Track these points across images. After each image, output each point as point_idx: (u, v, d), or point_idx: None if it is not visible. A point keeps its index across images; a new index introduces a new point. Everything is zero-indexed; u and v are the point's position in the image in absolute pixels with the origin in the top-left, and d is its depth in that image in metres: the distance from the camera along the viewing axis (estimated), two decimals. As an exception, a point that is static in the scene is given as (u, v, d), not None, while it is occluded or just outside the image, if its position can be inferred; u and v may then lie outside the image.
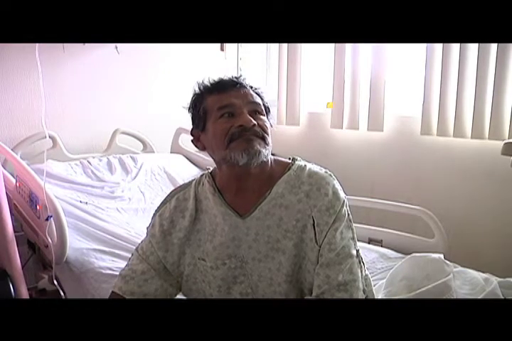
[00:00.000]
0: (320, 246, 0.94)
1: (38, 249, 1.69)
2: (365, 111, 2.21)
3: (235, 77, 1.00)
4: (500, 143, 1.42)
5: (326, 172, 1.00)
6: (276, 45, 2.57)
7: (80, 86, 2.19)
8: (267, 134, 0.96)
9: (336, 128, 2.34)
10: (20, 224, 1.74)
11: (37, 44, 1.48)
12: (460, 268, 1.40)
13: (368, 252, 1.63)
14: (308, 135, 2.54)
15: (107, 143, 2.25)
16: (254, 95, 0.99)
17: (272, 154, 0.99)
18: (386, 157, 2.24)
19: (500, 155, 1.40)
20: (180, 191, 1.06)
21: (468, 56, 1.85)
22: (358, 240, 1.01)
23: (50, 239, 1.47)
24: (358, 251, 0.97)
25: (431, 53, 1.97)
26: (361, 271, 0.96)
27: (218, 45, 2.64)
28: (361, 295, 0.93)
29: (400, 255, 1.64)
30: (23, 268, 1.46)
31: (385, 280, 1.36)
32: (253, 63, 2.75)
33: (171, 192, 1.08)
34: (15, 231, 1.47)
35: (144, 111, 2.42)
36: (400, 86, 2.24)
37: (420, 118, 2.04)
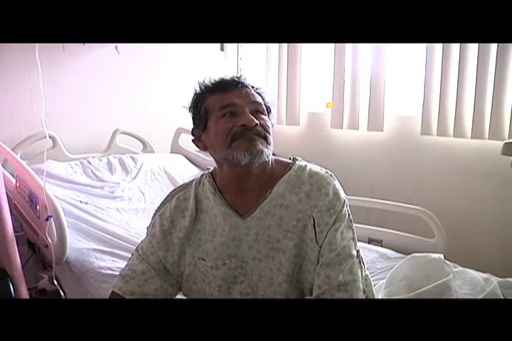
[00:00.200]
0: (320, 247, 0.94)
1: (38, 249, 1.69)
2: (365, 111, 2.21)
3: (237, 77, 1.00)
4: (500, 143, 1.42)
5: (326, 172, 1.00)
6: (276, 45, 2.57)
7: (80, 86, 2.19)
8: (269, 134, 0.96)
9: (335, 128, 2.34)
10: (20, 224, 1.74)
11: (37, 44, 1.48)
12: (460, 268, 1.40)
13: (368, 252, 1.63)
14: (308, 135, 2.54)
15: (107, 143, 2.25)
16: (256, 95, 0.99)
17: (273, 154, 0.99)
18: (386, 157, 2.24)
19: (500, 155, 1.40)
20: (180, 191, 1.06)
21: (468, 56, 1.85)
22: (358, 240, 1.01)
23: (50, 239, 1.47)
24: (358, 251, 0.97)
25: (431, 53, 1.97)
26: (361, 271, 0.96)
27: (218, 45, 2.63)
28: (361, 296, 0.93)
29: (400, 255, 1.64)
30: (23, 268, 1.46)
31: (385, 280, 1.36)
32: (253, 63, 2.75)
33: (171, 192, 1.08)
34: (15, 231, 1.47)
35: (144, 111, 2.42)
36: (400, 86, 2.24)
37: (420, 119, 2.04)
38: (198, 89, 1.01)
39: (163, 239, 1.03)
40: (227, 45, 2.65)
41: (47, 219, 1.46)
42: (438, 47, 1.94)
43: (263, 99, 1.00)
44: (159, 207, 1.07)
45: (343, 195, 0.98)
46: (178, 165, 2.29)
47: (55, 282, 1.48)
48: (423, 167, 2.12)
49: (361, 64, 2.21)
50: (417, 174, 2.15)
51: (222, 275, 0.99)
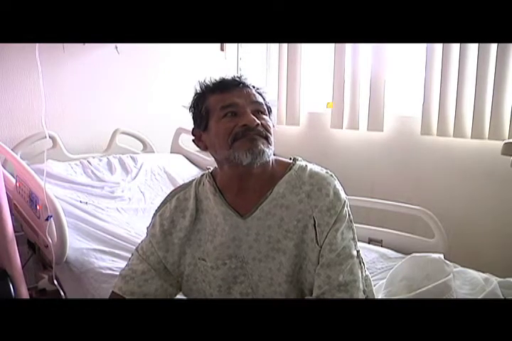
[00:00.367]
0: (321, 247, 0.94)
1: (38, 249, 1.69)
2: (365, 111, 2.21)
3: (238, 77, 1.00)
4: (500, 143, 1.42)
5: (327, 172, 1.00)
6: (276, 45, 2.57)
7: (80, 86, 2.19)
8: (270, 134, 0.96)
9: (335, 128, 2.34)
10: (20, 224, 1.74)
11: (37, 44, 1.48)
12: (460, 268, 1.40)
13: (368, 252, 1.63)
14: (308, 135, 2.54)
15: (107, 143, 2.25)
16: (257, 95, 0.99)
17: (273, 154, 0.99)
18: (386, 157, 2.24)
19: (500, 155, 1.40)
20: (180, 191, 1.06)
21: (468, 56, 1.85)
22: (358, 240, 1.01)
23: (50, 239, 1.47)
24: (358, 251, 0.97)
25: (431, 53, 1.97)
26: (361, 272, 0.96)
27: (218, 45, 2.64)
28: (361, 296, 0.93)
29: (400, 255, 1.64)
30: (23, 268, 1.46)
31: (385, 281, 1.36)
32: (253, 63, 2.75)
33: (171, 192, 1.08)
34: (15, 231, 1.47)
35: (144, 111, 2.42)
36: (400, 86, 2.24)
37: (420, 119, 2.04)
38: (198, 88, 1.01)
39: (163, 239, 1.03)
40: (227, 45, 2.65)
41: (47, 219, 1.46)
42: (438, 47, 1.94)
43: (264, 99, 1.00)
44: (159, 207, 1.07)
45: (343, 195, 0.98)
46: (178, 165, 2.29)
47: (55, 282, 1.48)
48: (423, 167, 2.12)
49: (361, 64, 2.21)
50: (417, 174, 2.15)
51: (222, 275, 0.99)
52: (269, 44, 2.72)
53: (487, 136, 1.85)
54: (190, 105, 1.03)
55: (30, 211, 1.60)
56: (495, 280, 1.29)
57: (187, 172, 2.23)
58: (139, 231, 1.67)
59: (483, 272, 1.40)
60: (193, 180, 1.07)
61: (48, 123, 1.58)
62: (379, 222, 1.91)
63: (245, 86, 0.98)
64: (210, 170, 1.06)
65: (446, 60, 1.91)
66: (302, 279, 0.98)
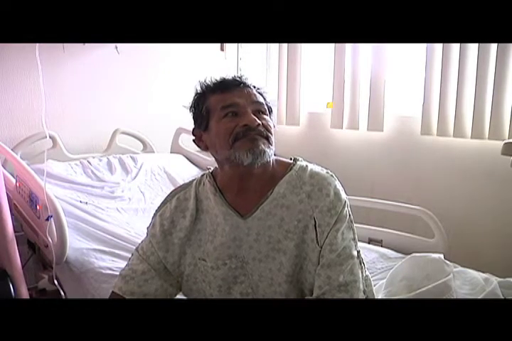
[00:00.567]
0: (321, 247, 0.94)
1: (38, 249, 1.69)
2: (365, 111, 2.21)
3: (238, 77, 1.00)
4: (500, 143, 1.42)
5: (327, 172, 1.00)
6: (276, 45, 2.57)
7: (80, 86, 2.19)
8: (271, 134, 0.96)
9: (336, 128, 2.34)
10: (20, 224, 1.74)
11: (37, 44, 1.48)
12: (460, 268, 1.40)
13: (368, 252, 1.63)
14: (308, 135, 2.54)
15: (107, 143, 2.26)
16: (258, 95, 0.99)
17: (274, 154, 0.99)
18: (386, 157, 2.24)
19: (500, 155, 1.40)
20: (180, 191, 1.06)
21: (468, 56, 1.85)
22: (358, 240, 1.01)
23: (50, 239, 1.47)
24: (358, 252, 0.97)
25: (431, 53, 1.97)
26: (362, 272, 0.96)
27: (218, 45, 2.64)
28: (362, 296, 0.93)
29: (400, 255, 1.64)
30: (23, 268, 1.46)
31: (385, 281, 1.36)
32: (253, 63, 2.75)
33: (171, 192, 1.08)
34: (15, 231, 1.47)
35: (144, 111, 2.42)
36: (400, 86, 2.24)
37: (420, 119, 2.04)
38: (199, 88, 1.01)
39: (164, 239, 1.03)
40: (227, 45, 2.65)
41: (47, 219, 1.46)
42: (438, 47, 1.94)
43: (264, 99, 1.00)
44: (159, 207, 1.07)
45: (343, 195, 0.98)
46: (178, 165, 2.29)
47: (55, 282, 1.48)
48: (423, 167, 2.13)
49: (361, 64, 2.21)
50: (417, 174, 2.15)
51: (222, 275, 0.99)
52: (269, 44, 2.72)
53: (487, 136, 1.85)
54: (190, 105, 1.03)
55: (30, 211, 1.60)
56: (495, 280, 1.29)
57: (187, 172, 2.23)
58: (139, 231, 1.67)
59: (483, 272, 1.40)
60: (193, 180, 1.07)
61: (48, 123, 1.58)
62: (379, 222, 1.91)
63: (246, 86, 0.98)
64: (210, 170, 1.06)
65: (446, 60, 1.91)
66: (302, 279, 0.98)
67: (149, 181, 2.11)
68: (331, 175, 1.00)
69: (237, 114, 0.95)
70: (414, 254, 1.39)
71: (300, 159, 1.04)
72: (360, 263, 0.96)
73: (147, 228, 1.08)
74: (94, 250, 1.54)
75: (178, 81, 2.46)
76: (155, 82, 2.45)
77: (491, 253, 1.92)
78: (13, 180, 1.69)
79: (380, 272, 1.52)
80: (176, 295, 1.07)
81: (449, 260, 1.36)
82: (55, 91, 2.09)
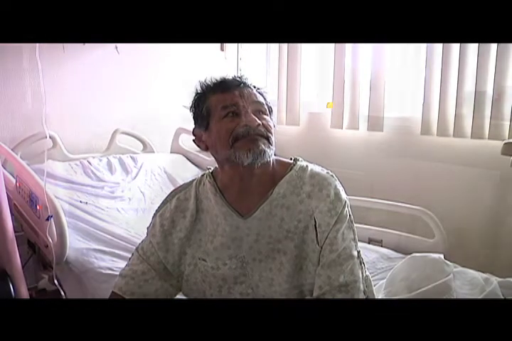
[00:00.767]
0: (321, 247, 0.94)
1: (38, 249, 1.69)
2: (365, 111, 2.21)
3: (238, 77, 1.00)
4: (500, 143, 1.42)
5: (327, 173, 1.00)
6: (277, 44, 2.57)
7: (80, 86, 2.19)
8: (271, 134, 0.96)
9: (335, 128, 2.34)
10: (20, 224, 1.74)
11: (37, 44, 1.48)
12: (460, 268, 1.40)
13: (368, 252, 1.63)
14: (308, 135, 2.54)
15: (106, 143, 2.26)
16: (258, 95, 0.99)
17: (274, 154, 0.99)
18: (386, 157, 2.24)
19: (500, 155, 1.40)
20: (181, 191, 1.06)
21: (468, 56, 1.85)
22: (358, 240, 1.01)
23: (50, 239, 1.47)
24: (359, 252, 0.97)
25: (431, 53, 1.97)
26: (362, 272, 0.96)
27: (218, 45, 2.64)
28: (362, 296, 0.93)
29: (400, 255, 1.64)
30: (23, 268, 1.46)
31: (385, 281, 1.36)
32: (253, 63, 2.75)
33: (171, 192, 1.08)
34: (15, 231, 1.47)
35: (144, 111, 2.42)
36: (400, 86, 2.24)
37: (420, 119, 2.04)
38: (199, 88, 1.01)
39: (164, 239, 1.03)
40: (227, 45, 2.65)
41: (47, 219, 1.46)
42: (438, 47, 1.94)
43: (265, 99, 1.00)
44: (159, 207, 1.07)
45: (344, 195, 0.98)
46: (178, 165, 2.29)
47: (55, 282, 1.48)
48: (423, 167, 2.12)
49: (361, 64, 2.21)
50: (417, 174, 2.15)
51: (222, 275, 0.99)
52: (269, 44, 2.72)
53: (487, 136, 1.85)
54: (190, 105, 1.03)
55: (30, 211, 1.60)
56: (495, 280, 1.29)
57: (187, 172, 2.23)
58: (139, 231, 1.67)
59: (483, 272, 1.40)
60: (193, 180, 1.07)
61: (48, 123, 1.58)
62: (379, 222, 1.91)
63: (246, 86, 0.98)
64: (210, 170, 1.06)
65: (446, 59, 1.91)
66: (302, 280, 0.98)
67: (149, 181, 2.11)
68: (332, 175, 1.00)
69: (237, 114, 0.94)
70: (414, 254, 1.39)
71: (300, 159, 1.04)
72: (361, 264, 0.96)
73: (147, 228, 1.08)
74: (94, 250, 1.54)
75: (178, 81, 2.46)
76: (155, 82, 2.45)
77: (491, 253, 1.92)
78: (13, 180, 1.69)
79: (380, 272, 1.52)
80: (176, 295, 1.07)
81: (449, 260, 1.36)
82: (55, 91, 2.09)
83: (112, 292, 1.04)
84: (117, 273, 1.12)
